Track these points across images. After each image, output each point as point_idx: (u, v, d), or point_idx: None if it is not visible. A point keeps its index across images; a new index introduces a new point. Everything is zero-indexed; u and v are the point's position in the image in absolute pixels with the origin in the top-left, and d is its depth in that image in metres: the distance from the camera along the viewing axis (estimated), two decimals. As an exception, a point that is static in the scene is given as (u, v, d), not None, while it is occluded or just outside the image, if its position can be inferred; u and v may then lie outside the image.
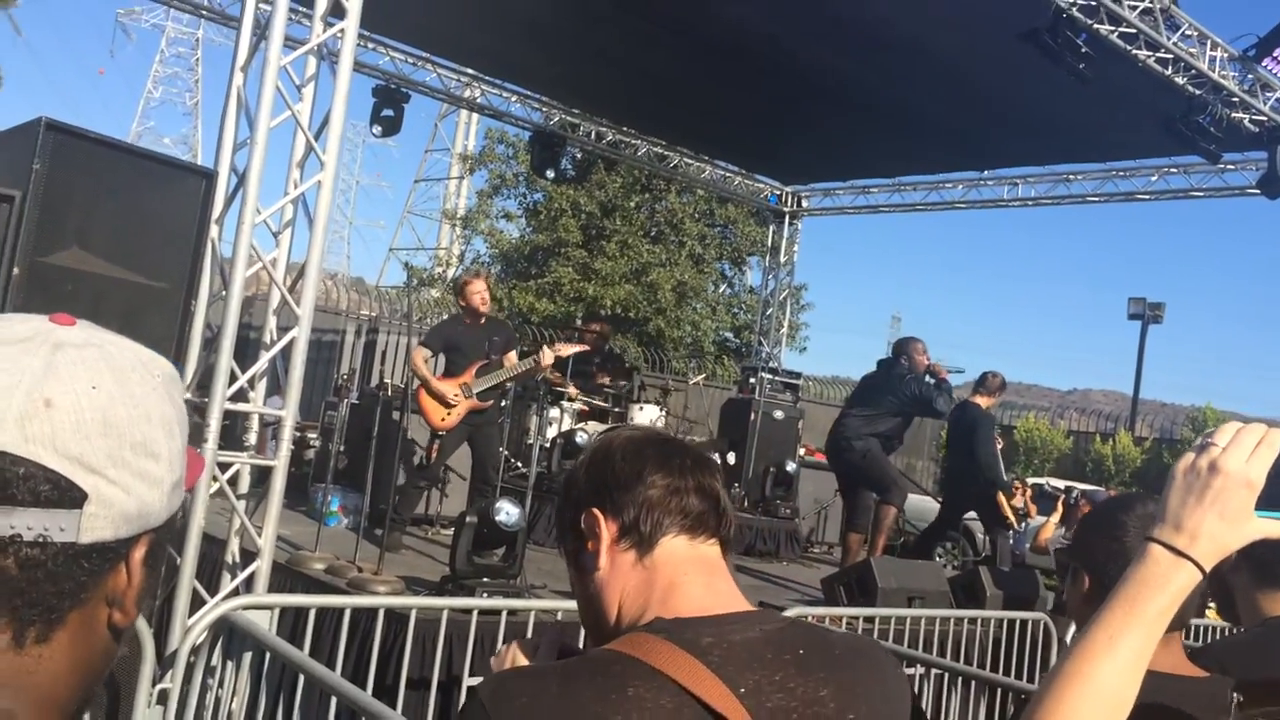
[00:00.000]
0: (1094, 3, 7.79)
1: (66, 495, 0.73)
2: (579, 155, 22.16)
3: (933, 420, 22.57)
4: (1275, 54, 8.96)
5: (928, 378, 8.32)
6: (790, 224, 15.75)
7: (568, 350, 8.28)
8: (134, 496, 0.77)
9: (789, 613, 5.28)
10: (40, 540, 0.72)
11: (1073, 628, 3.65)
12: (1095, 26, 7.90)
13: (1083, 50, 7.85)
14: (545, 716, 1.12)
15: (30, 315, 0.81)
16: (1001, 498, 8.79)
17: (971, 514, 9.73)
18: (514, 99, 13.18)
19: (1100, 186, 12.58)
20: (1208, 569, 1.08)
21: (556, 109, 13.38)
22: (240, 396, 4.54)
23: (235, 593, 4.43)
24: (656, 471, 1.33)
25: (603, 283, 22.14)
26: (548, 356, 7.89)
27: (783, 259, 15.81)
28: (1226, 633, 4.30)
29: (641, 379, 11.91)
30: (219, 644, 3.79)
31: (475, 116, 28.65)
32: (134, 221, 4.37)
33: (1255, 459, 1.07)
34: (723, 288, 25.59)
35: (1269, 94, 9.19)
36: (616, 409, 11.03)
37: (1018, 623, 6.22)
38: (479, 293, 7.65)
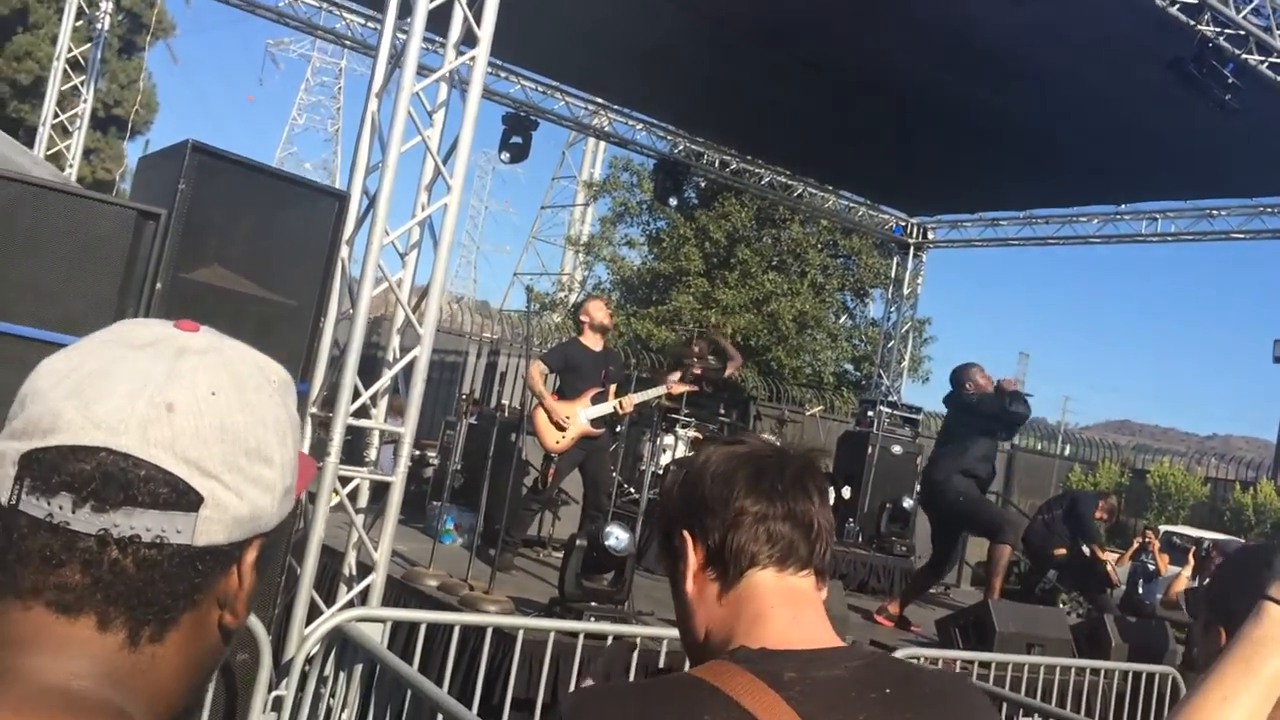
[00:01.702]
0: (1242, 32, 7.47)
1: (184, 498, 0.75)
2: (703, 184, 22.24)
3: (1059, 464, 21.84)
4: None
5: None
6: (915, 256, 15.47)
7: (680, 389, 8.51)
8: (247, 501, 0.78)
9: (898, 653, 5.14)
10: (158, 541, 0.74)
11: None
12: (1243, 57, 7.57)
13: (1229, 81, 7.52)
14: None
15: (156, 320, 0.83)
16: (1098, 550, 9.21)
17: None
18: (639, 127, 13.33)
19: (1246, 223, 12.01)
20: None
21: (681, 137, 13.48)
22: (363, 413, 4.67)
23: (350, 605, 4.53)
24: (747, 496, 1.29)
25: (724, 311, 22.11)
26: (676, 388, 8.35)
27: (906, 291, 15.53)
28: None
29: (758, 409, 11.83)
30: (332, 654, 3.88)
31: (602, 145, 29.02)
32: (270, 240, 4.55)
33: None
34: (844, 319, 25.28)
35: None
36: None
37: (1144, 676, 5.92)
38: (602, 308, 7.77)
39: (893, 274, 16.18)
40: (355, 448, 5.12)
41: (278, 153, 67.13)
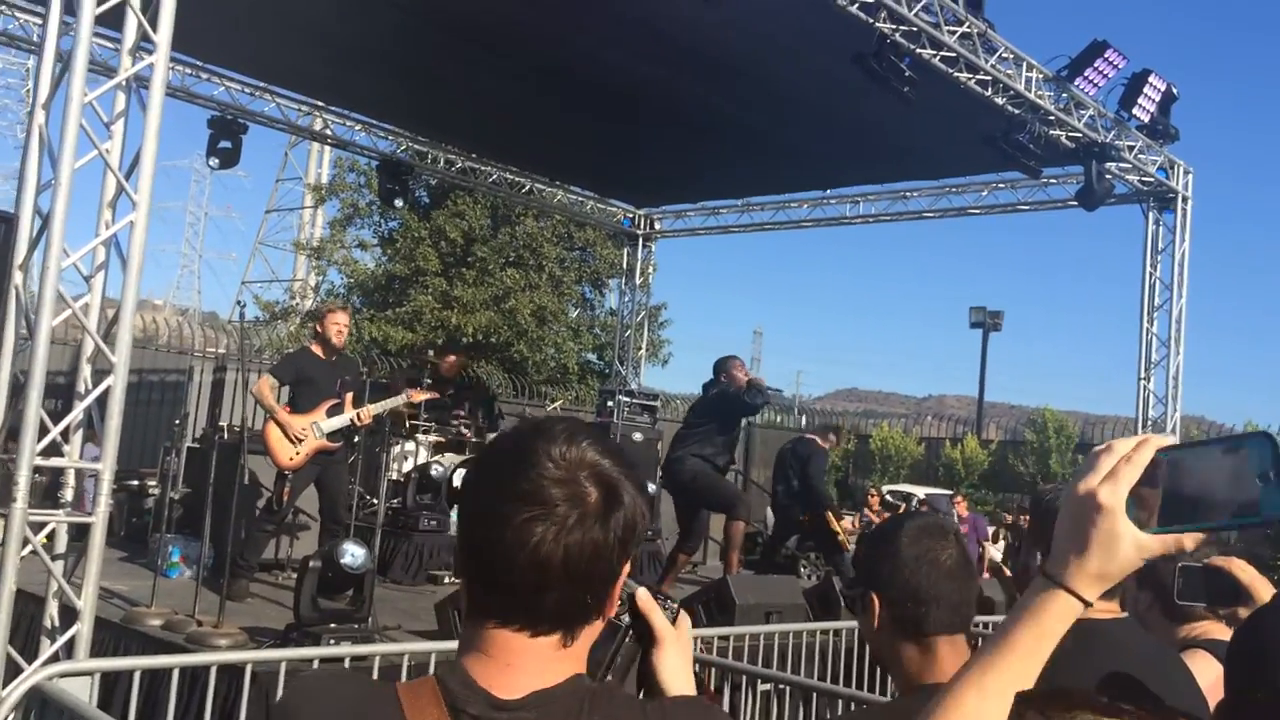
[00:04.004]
0: (915, 29, 8.12)
1: None
2: (434, 183, 21.91)
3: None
4: (1086, 74, 9.51)
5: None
6: (644, 246, 15.90)
7: (420, 397, 8.39)
8: None
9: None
10: None
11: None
12: (918, 51, 8.24)
13: (906, 74, 8.16)
14: (323, 714, 1.14)
15: None
16: (830, 516, 9.45)
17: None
18: (359, 128, 12.95)
19: (934, 202, 13.11)
20: (1089, 599, 1.05)
21: (404, 137, 13.21)
22: (54, 450, 4.30)
23: (55, 659, 4.17)
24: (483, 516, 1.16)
25: (463, 310, 21.90)
26: (416, 396, 8.24)
27: (639, 280, 15.95)
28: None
29: (499, 407, 11.81)
30: (32, 718, 3.56)
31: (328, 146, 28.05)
32: (-74, 270, 4.11)
33: (1108, 481, 1.02)
34: (582, 310, 25.62)
35: (1082, 112, 9.73)
36: (475, 439, 10.89)
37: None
38: (339, 325, 7.43)
39: (625, 264, 16.56)
40: (52, 487, 4.72)
41: (-42, 163, 60.63)
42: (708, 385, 8.58)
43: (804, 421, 25.10)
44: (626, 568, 1.18)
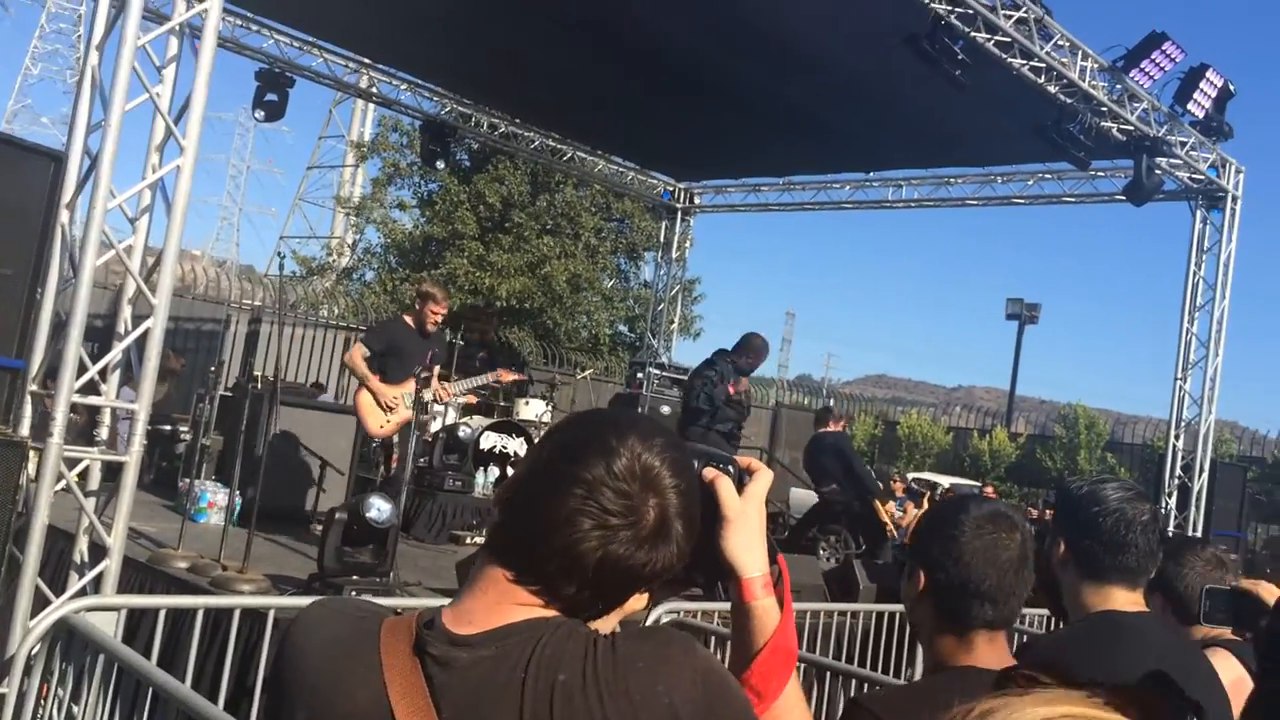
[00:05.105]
0: (971, 11, 8.00)
1: None
2: (475, 147, 21.90)
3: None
4: (1143, 66, 9.32)
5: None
6: (683, 220, 15.83)
7: (509, 378, 8.62)
8: None
9: (655, 613, 5.29)
10: None
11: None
12: (972, 34, 8.11)
13: (959, 58, 8.04)
14: (314, 644, 1.18)
15: None
16: (877, 506, 9.38)
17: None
18: (404, 87, 12.95)
19: (979, 190, 12.95)
20: None
21: (448, 99, 13.20)
22: (91, 389, 4.35)
23: (82, 593, 4.24)
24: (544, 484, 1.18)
25: (498, 275, 21.95)
26: (506, 376, 8.71)
27: (675, 254, 15.90)
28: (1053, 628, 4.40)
29: (530, 372, 11.85)
30: (58, 648, 3.63)
31: (371, 104, 28.05)
32: (-26, 204, 4.16)
33: None
34: (616, 281, 25.58)
35: (1136, 104, 9.55)
36: (503, 403, 10.95)
37: (886, 615, 6.35)
38: (436, 316, 7.54)
39: (662, 237, 16.52)
40: (88, 428, 4.79)
41: (10, 104, 61.38)
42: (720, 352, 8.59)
43: (831, 404, 25.04)
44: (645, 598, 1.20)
